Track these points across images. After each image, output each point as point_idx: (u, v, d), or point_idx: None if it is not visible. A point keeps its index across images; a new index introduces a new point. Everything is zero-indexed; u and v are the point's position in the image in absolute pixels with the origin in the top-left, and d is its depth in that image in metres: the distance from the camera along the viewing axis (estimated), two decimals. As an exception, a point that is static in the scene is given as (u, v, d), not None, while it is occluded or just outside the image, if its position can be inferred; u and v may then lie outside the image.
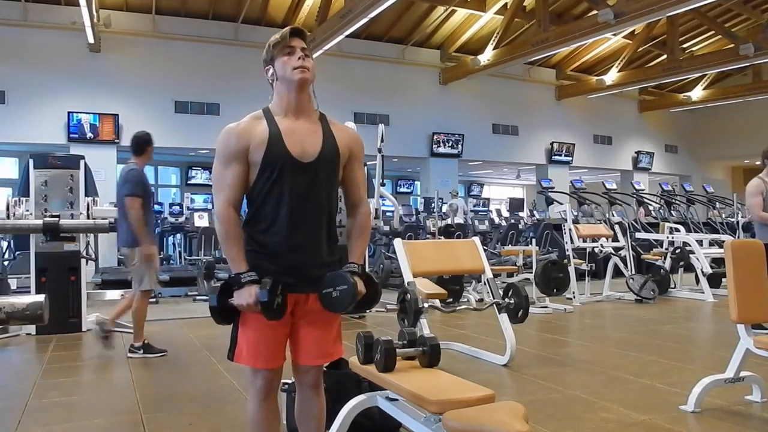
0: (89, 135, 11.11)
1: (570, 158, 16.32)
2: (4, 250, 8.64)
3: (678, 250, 7.96)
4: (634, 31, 14.16)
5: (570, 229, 7.53)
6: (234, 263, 1.85)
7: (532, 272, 7.15)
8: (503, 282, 6.72)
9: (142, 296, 4.56)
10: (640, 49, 14.83)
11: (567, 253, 7.45)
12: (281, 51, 1.90)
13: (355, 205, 2.06)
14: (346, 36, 11.27)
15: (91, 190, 6.05)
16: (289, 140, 1.87)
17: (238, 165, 1.87)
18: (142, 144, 4.60)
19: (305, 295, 1.93)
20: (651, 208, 12.11)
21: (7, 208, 6.26)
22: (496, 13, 12.95)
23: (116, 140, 11.32)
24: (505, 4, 12.68)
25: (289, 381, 2.79)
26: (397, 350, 2.35)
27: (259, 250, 1.90)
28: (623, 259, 7.96)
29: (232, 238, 1.87)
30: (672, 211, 11.63)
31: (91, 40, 10.68)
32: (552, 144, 16.06)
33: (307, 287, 1.92)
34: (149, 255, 4.46)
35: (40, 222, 5.20)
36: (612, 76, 14.94)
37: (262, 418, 1.99)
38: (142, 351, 4.56)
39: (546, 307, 6.76)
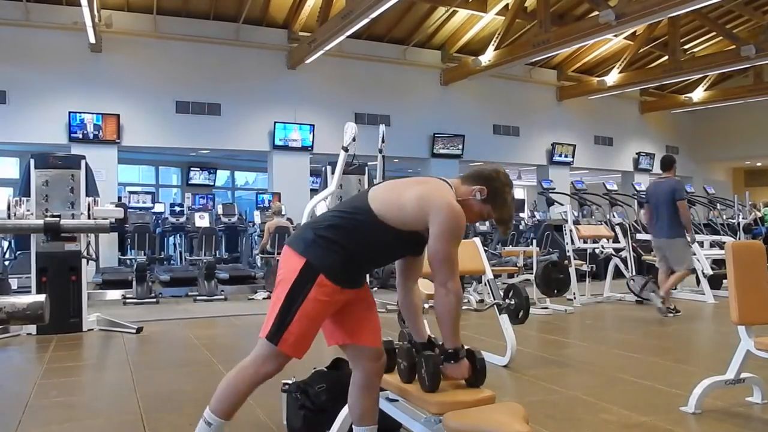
0: (91, 135, 11.10)
1: (571, 159, 16.31)
2: (4, 250, 8.65)
3: (679, 252, 7.95)
4: (635, 32, 14.15)
5: (571, 230, 7.53)
6: (455, 338, 2.01)
7: (532, 273, 7.15)
8: (504, 283, 6.72)
9: (683, 274, 6.48)
10: (642, 50, 14.81)
11: (568, 254, 7.45)
12: (504, 200, 2.07)
13: None
14: (347, 36, 11.27)
15: (92, 190, 6.05)
16: None
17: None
18: (669, 163, 6.62)
19: (358, 288, 2.10)
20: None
21: (8, 208, 6.26)
22: (497, 14, 12.93)
23: (117, 140, 11.32)
24: (507, 4, 12.67)
25: (290, 381, 2.80)
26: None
27: (346, 271, 2.01)
28: (624, 260, 7.96)
29: (459, 314, 2.02)
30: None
31: (92, 40, 10.68)
32: (553, 145, 16.05)
33: (359, 284, 2.11)
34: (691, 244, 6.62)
35: (40, 222, 5.21)
36: (613, 77, 14.93)
37: (252, 387, 2.00)
38: (673, 314, 6.34)
39: (546, 308, 6.76)
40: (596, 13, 10.88)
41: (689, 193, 12.49)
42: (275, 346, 1.93)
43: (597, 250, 7.96)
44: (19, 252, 8.65)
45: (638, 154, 17.81)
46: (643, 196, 12.01)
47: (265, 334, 1.96)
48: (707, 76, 16.05)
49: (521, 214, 13.89)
